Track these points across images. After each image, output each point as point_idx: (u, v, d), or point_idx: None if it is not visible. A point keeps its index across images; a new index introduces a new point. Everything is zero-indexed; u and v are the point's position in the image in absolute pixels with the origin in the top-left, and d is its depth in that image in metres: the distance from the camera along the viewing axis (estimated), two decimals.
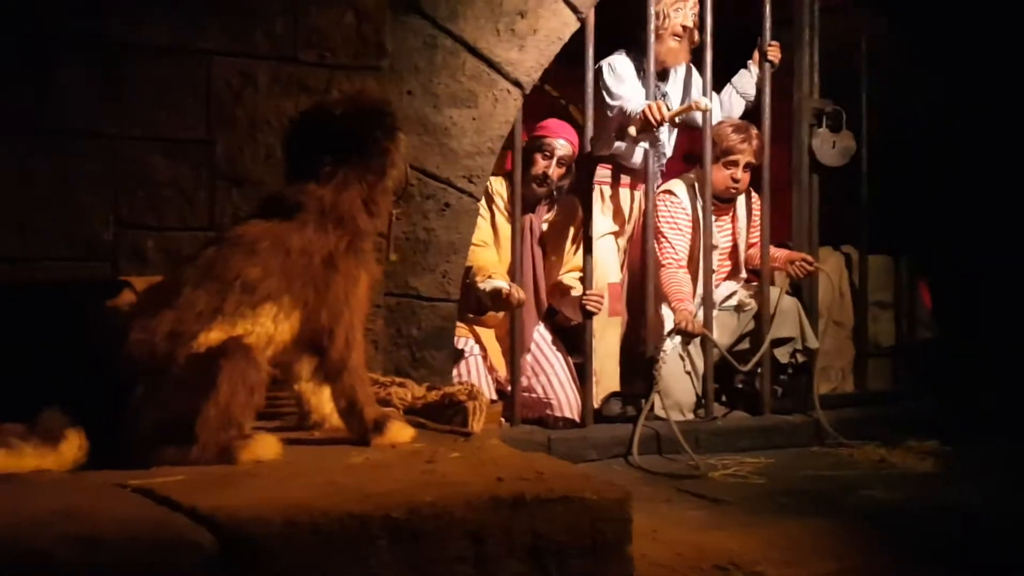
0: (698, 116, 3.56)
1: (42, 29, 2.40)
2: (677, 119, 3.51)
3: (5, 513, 1.40)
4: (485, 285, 3.23)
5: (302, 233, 1.92)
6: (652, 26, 3.52)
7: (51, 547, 1.28)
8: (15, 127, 2.38)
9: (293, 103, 2.59)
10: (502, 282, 3.23)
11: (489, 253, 3.38)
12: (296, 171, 2.02)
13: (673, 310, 3.58)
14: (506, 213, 3.43)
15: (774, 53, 3.78)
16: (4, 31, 2.35)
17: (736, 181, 3.71)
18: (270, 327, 1.87)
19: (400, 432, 1.98)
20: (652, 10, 3.52)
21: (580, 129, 3.54)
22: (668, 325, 3.60)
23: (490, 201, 3.44)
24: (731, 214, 3.85)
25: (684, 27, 3.61)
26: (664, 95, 3.72)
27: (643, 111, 3.32)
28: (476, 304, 3.31)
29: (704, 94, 3.66)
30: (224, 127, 2.59)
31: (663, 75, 3.72)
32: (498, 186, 3.46)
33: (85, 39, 2.44)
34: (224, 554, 1.37)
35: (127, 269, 2.42)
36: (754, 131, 3.73)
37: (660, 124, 3.34)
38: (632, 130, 3.40)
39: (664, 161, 3.79)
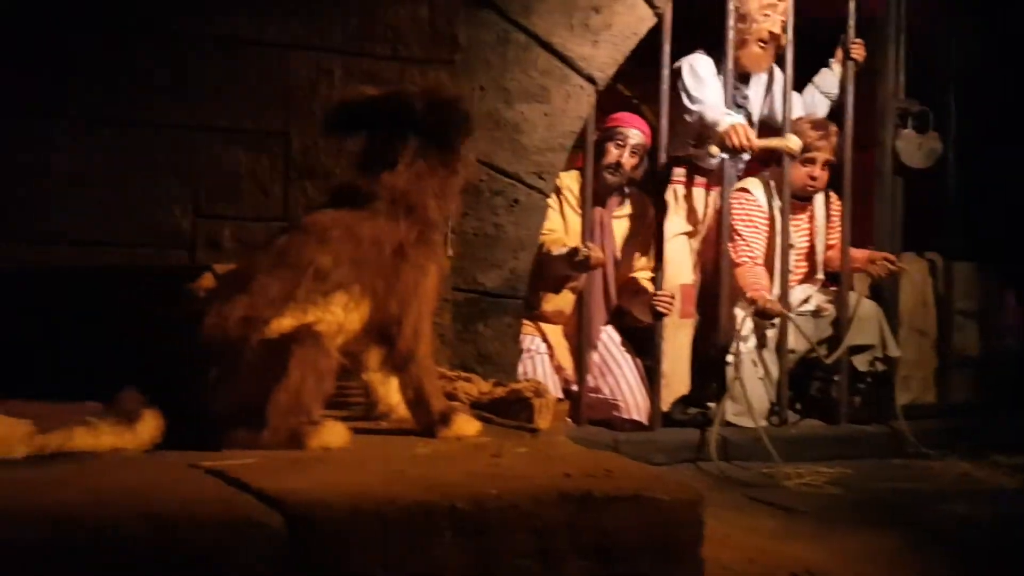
0: (793, 142, 3.42)
1: (131, 25, 2.47)
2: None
3: (83, 490, 1.42)
4: (561, 249, 3.18)
5: (373, 222, 1.93)
6: (731, 33, 3.44)
7: (127, 523, 1.29)
8: (106, 118, 2.46)
9: None
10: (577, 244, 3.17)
11: (559, 236, 3.34)
12: (369, 161, 2.02)
13: (749, 299, 3.48)
14: (576, 208, 3.39)
15: (858, 51, 3.68)
16: (95, 28, 2.43)
17: (814, 179, 3.61)
18: (340, 315, 1.88)
19: (466, 425, 1.97)
20: (731, 8, 3.44)
21: (653, 125, 3.49)
22: (742, 328, 3.51)
23: (560, 196, 3.41)
24: (808, 214, 3.75)
25: (771, 33, 3.51)
26: (745, 98, 3.64)
27: (727, 133, 3.24)
28: (552, 280, 3.26)
29: (785, 94, 3.57)
30: (299, 119, 2.63)
31: (744, 78, 3.63)
32: (569, 181, 3.43)
33: (172, 34, 2.51)
34: (291, 536, 1.37)
35: (204, 258, 2.48)
36: (833, 128, 3.62)
37: (743, 151, 3.26)
38: (714, 149, 3.33)
39: (742, 165, 3.71)
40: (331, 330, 1.86)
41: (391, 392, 2.06)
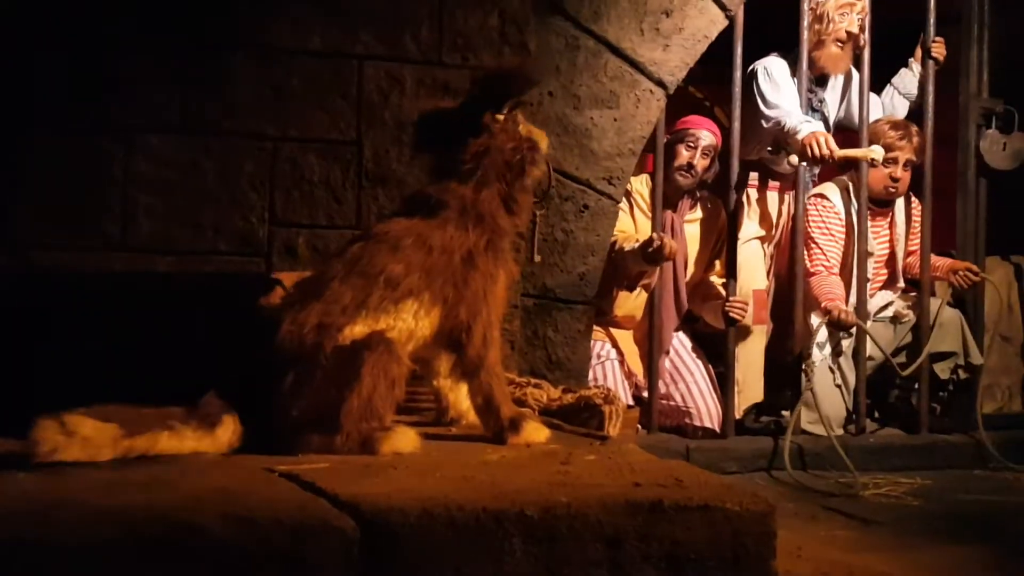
0: (876, 153, 3.32)
1: (214, 35, 2.56)
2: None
3: (167, 490, 1.49)
4: (633, 245, 3.15)
5: (443, 231, 1.95)
6: (805, 34, 3.37)
7: (207, 523, 1.34)
8: (187, 127, 2.54)
9: (437, 106, 2.65)
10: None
11: (631, 234, 3.31)
12: (440, 170, 2.05)
13: (823, 309, 3.41)
14: (646, 212, 3.37)
15: (938, 50, 3.56)
16: (182, 38, 2.52)
17: (895, 180, 3.50)
18: (411, 322, 1.91)
19: (536, 432, 1.98)
20: (806, 8, 3.37)
21: (724, 128, 3.44)
22: (817, 336, 3.43)
23: (630, 200, 3.39)
24: (889, 219, 3.64)
25: (849, 33, 3.41)
26: (822, 102, 3.56)
27: (808, 143, 3.16)
28: (626, 279, 3.24)
29: (862, 96, 3.48)
30: (372, 128, 2.68)
31: (821, 80, 3.55)
32: (639, 185, 3.41)
33: (252, 45, 2.59)
34: (364, 540, 1.40)
35: (279, 265, 2.54)
36: (914, 128, 3.51)
37: (823, 161, 3.19)
38: (793, 158, 3.27)
39: (817, 169, 3.62)
40: (402, 337, 1.89)
41: (461, 398, 2.08)
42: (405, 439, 1.84)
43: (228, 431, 1.77)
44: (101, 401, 1.68)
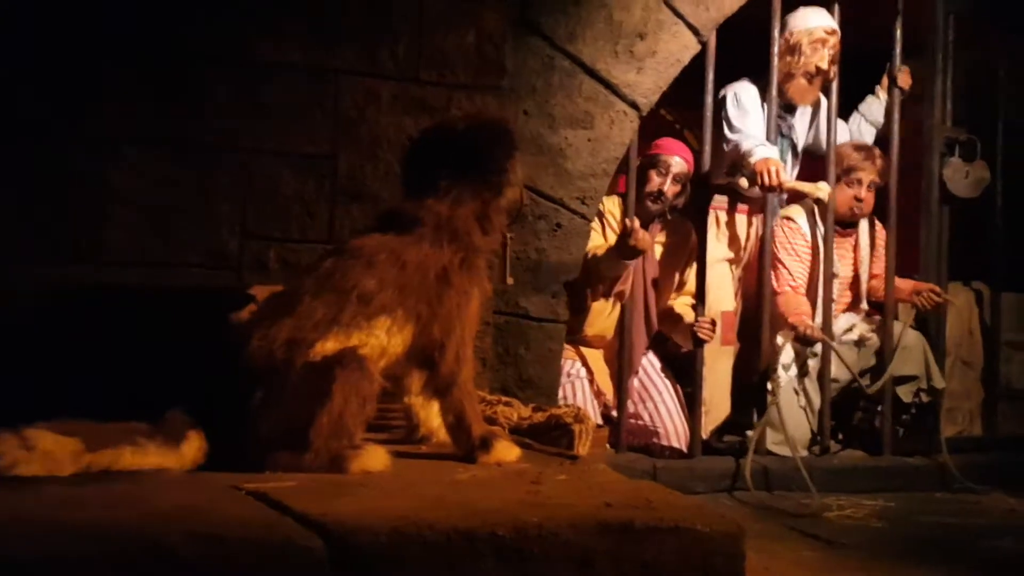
0: (822, 192, 3.37)
1: (194, 48, 2.54)
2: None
3: (130, 507, 1.46)
4: (605, 250, 3.17)
5: (418, 247, 1.95)
6: (775, 61, 3.42)
7: (172, 541, 1.32)
8: (159, 139, 2.52)
9: (413, 121, 2.65)
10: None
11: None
12: (414, 187, 2.05)
13: (790, 325, 3.45)
14: (618, 232, 3.39)
15: (904, 79, 3.64)
16: (159, 50, 2.50)
17: (860, 201, 3.57)
18: (384, 339, 1.89)
19: (506, 451, 1.97)
20: (775, 36, 3.43)
21: (695, 151, 3.48)
22: (783, 356, 3.47)
23: (602, 220, 3.41)
24: (853, 242, 3.70)
25: (819, 68, 3.47)
26: (791, 128, 3.62)
27: (759, 169, 3.19)
28: (600, 283, 3.25)
29: (830, 122, 3.54)
30: (347, 143, 2.67)
31: (790, 108, 3.61)
32: (611, 205, 3.43)
33: (231, 58, 2.57)
34: (332, 560, 1.38)
35: (250, 278, 2.52)
36: (877, 151, 3.60)
37: (772, 190, 3.23)
38: (743, 181, 3.32)
39: (784, 197, 3.68)
40: (374, 354, 1.88)
41: (432, 416, 2.07)
42: (375, 458, 1.82)
43: (193, 447, 1.75)
44: (65, 415, 1.64)
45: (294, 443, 1.78)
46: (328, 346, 1.83)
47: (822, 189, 3.33)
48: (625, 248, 3.12)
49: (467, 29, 2.76)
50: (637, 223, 3.12)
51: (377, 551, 1.40)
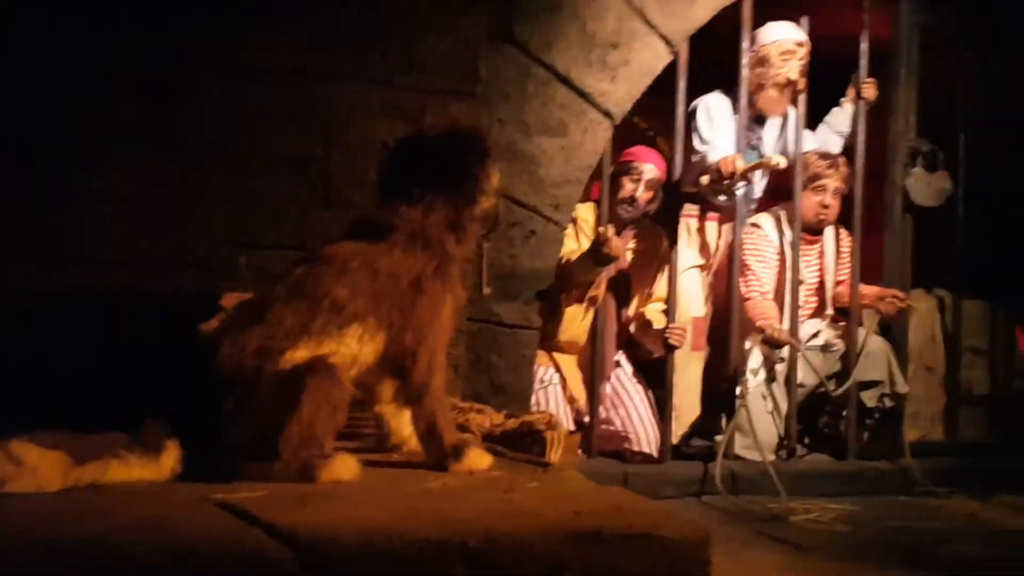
0: (778, 158, 3.42)
1: (185, 52, 2.53)
2: (751, 173, 3.42)
3: (99, 520, 1.45)
4: (579, 256, 3.18)
5: (391, 255, 1.95)
6: (745, 72, 3.46)
7: (139, 554, 1.32)
8: (155, 142, 2.51)
9: (388, 127, 2.65)
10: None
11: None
12: (389, 194, 2.05)
13: (758, 328, 3.49)
14: (592, 239, 3.41)
15: (869, 90, 3.70)
16: (151, 51, 2.48)
17: (825, 207, 3.63)
18: (355, 347, 1.89)
19: (478, 459, 1.98)
20: (744, 48, 3.48)
21: (668, 160, 3.52)
22: (751, 361, 3.52)
23: (576, 226, 3.43)
24: (819, 249, 3.76)
25: (789, 79, 3.53)
26: (760, 139, 3.66)
27: (720, 163, 3.26)
28: (574, 287, 3.26)
29: (797, 130, 3.60)
30: (320, 149, 2.66)
31: (760, 119, 3.65)
32: (584, 212, 3.45)
33: (221, 62, 2.56)
34: (302, 571, 1.38)
35: (222, 285, 2.49)
36: (841, 159, 3.66)
37: (732, 178, 3.27)
38: (705, 179, 3.36)
39: (753, 207, 3.73)
40: (345, 362, 1.88)
41: (403, 424, 2.07)
42: (345, 467, 1.82)
43: (172, 457, 1.74)
44: (41, 422, 1.63)
45: (264, 452, 1.77)
46: (298, 354, 1.83)
47: (774, 158, 3.36)
48: (598, 255, 3.14)
49: (442, 36, 2.77)
50: (611, 230, 3.14)
51: (347, 561, 1.40)
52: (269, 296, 1.92)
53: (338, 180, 2.66)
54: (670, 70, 3.27)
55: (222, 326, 1.95)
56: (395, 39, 2.70)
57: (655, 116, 4.01)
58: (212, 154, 2.54)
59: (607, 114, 3.12)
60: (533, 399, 3.19)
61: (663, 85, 3.29)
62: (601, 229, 3.14)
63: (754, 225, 3.68)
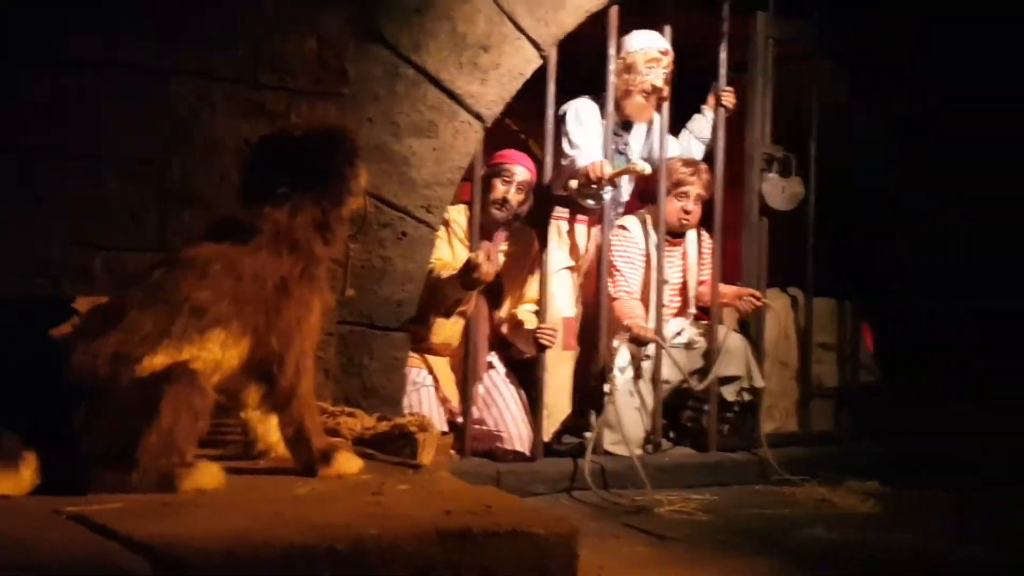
0: (642, 164, 3.53)
1: (13, 47, 2.37)
2: (617, 178, 3.52)
3: None
4: (451, 272, 3.18)
5: (255, 257, 1.90)
6: (613, 79, 3.56)
7: None
8: None
9: (251, 126, 2.58)
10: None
11: (448, 262, 3.36)
12: (252, 194, 2.00)
13: (625, 327, 3.61)
14: (463, 240, 3.43)
15: (728, 98, 3.87)
16: None
17: (687, 213, 3.79)
18: (218, 352, 1.84)
19: (347, 463, 1.96)
20: (611, 54, 3.58)
21: (539, 161, 3.58)
22: (618, 359, 3.63)
23: (448, 228, 3.44)
24: (682, 250, 3.92)
25: (654, 86, 3.64)
26: (627, 145, 3.77)
27: (588, 169, 3.34)
28: (443, 305, 3.26)
29: (661, 136, 3.73)
30: (178, 148, 2.56)
31: (627, 125, 3.76)
32: (456, 215, 3.47)
33: (52, 57, 2.41)
34: None
35: (72, 289, 2.37)
36: (703, 166, 3.82)
37: (599, 183, 3.37)
38: (573, 183, 3.44)
39: (620, 210, 3.84)
40: (207, 367, 1.82)
41: (270, 430, 2.03)
42: (208, 475, 1.77)
43: (31, 469, 1.65)
44: None
45: (120, 462, 1.70)
46: (157, 361, 1.77)
47: (639, 164, 3.46)
48: (468, 279, 3.16)
49: (307, 35, 2.72)
50: (483, 256, 3.16)
51: (210, 572, 1.37)
52: (125, 300, 1.84)
53: (196, 180, 2.56)
54: (541, 74, 3.33)
55: (75, 331, 1.86)
56: (249, 37, 2.63)
57: (525, 119, 4.06)
58: (44, 154, 2.41)
59: (478, 116, 3.15)
60: (406, 401, 3.18)
61: (534, 88, 3.34)
62: (472, 255, 3.15)
63: (621, 227, 3.79)
